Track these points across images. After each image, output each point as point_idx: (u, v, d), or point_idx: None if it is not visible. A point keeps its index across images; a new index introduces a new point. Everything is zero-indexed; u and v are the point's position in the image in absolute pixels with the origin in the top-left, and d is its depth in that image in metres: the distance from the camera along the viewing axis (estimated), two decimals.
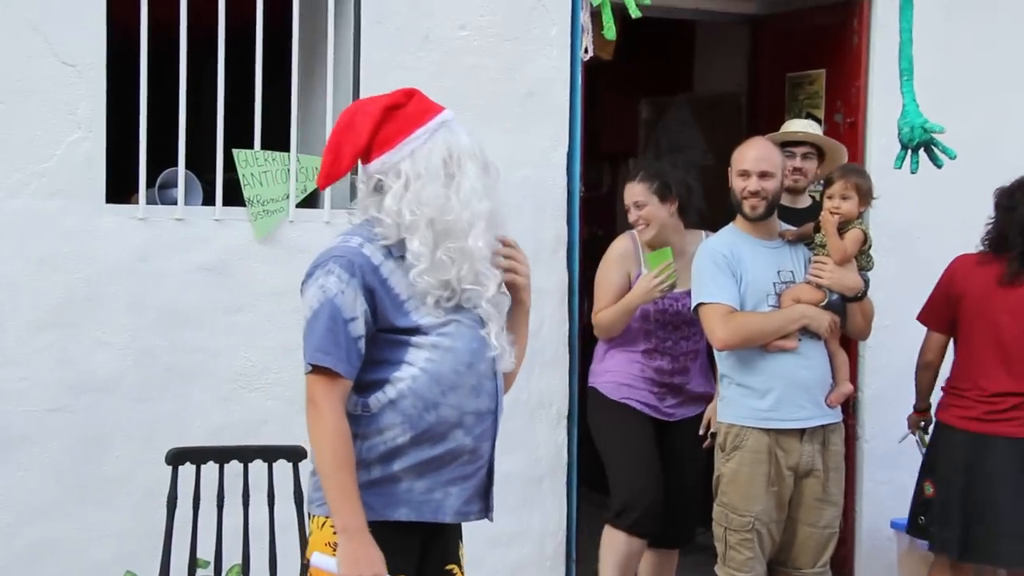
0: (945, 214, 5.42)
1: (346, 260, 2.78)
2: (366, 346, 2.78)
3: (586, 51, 4.86)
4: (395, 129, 2.84)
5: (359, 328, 2.76)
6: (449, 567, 2.96)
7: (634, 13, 4.27)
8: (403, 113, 2.86)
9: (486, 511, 2.94)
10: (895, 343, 5.30)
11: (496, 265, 2.89)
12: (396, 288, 2.80)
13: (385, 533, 2.76)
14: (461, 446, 2.84)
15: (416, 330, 2.80)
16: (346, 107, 2.98)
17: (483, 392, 2.86)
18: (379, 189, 2.85)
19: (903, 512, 5.23)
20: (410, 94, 2.91)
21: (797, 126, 4.91)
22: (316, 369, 2.75)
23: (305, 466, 2.94)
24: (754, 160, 4.25)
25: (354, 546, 2.71)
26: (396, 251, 2.82)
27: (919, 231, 5.42)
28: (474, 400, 2.84)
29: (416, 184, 2.81)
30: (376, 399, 2.80)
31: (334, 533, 2.76)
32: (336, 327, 2.74)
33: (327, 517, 2.79)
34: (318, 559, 2.79)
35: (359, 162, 2.87)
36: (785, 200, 4.62)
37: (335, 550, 2.75)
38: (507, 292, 2.93)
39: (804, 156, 4.79)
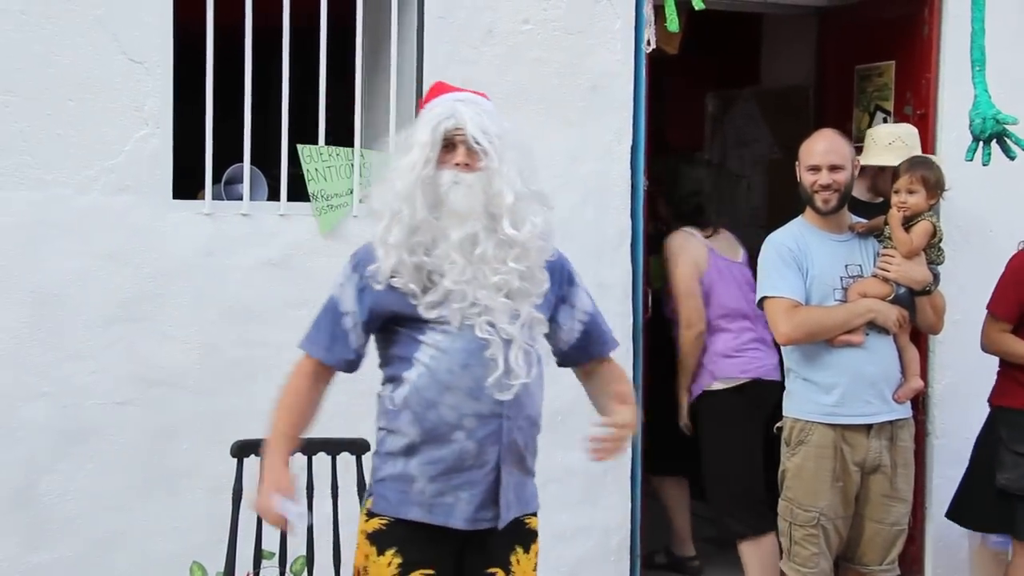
0: (1019, 207, 5.32)
1: (357, 257, 2.91)
2: (387, 340, 2.90)
3: (648, 43, 4.83)
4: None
5: (348, 322, 2.91)
6: (492, 571, 2.92)
7: (697, 5, 4.24)
8: (423, 108, 2.96)
9: (495, 518, 2.89)
10: (967, 338, 5.19)
11: None
12: (399, 284, 2.83)
13: (400, 529, 2.88)
14: (464, 449, 2.83)
15: (422, 324, 2.83)
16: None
17: (483, 395, 2.82)
18: None
19: None
20: (433, 88, 3.00)
21: (882, 133, 4.82)
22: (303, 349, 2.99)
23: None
24: (823, 153, 4.20)
25: (265, 475, 2.97)
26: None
27: (992, 224, 5.32)
28: (473, 403, 2.82)
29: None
30: (398, 394, 2.88)
31: (365, 520, 2.94)
32: (326, 317, 2.95)
33: (364, 507, 2.97)
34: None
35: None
36: (858, 193, 4.56)
37: (369, 542, 2.92)
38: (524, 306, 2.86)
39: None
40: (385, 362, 2.94)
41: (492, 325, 2.81)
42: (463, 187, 2.80)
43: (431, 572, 2.86)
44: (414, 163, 2.81)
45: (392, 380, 2.90)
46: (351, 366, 2.97)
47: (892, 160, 4.60)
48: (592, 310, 3.05)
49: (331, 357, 2.94)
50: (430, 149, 2.82)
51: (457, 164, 2.83)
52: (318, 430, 4.15)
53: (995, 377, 4.64)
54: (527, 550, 2.96)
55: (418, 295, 2.81)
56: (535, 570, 3.01)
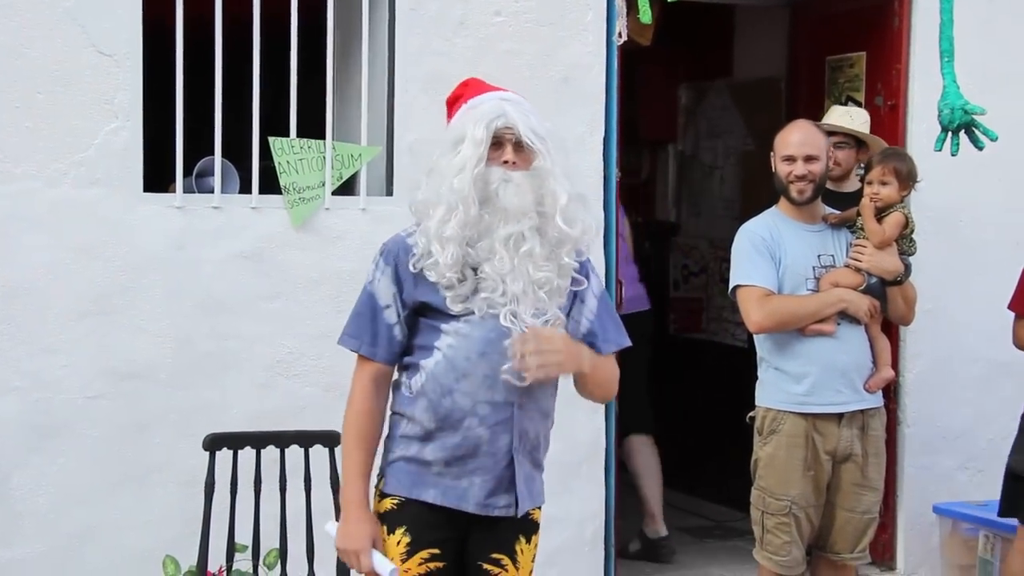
0: (988, 198, 5.36)
1: (388, 249, 2.93)
2: (412, 329, 2.91)
3: (620, 35, 4.83)
4: (449, 120, 2.98)
5: (391, 316, 2.90)
6: (498, 556, 2.96)
7: None
8: (458, 104, 2.98)
9: (512, 506, 2.93)
10: (937, 328, 5.26)
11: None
12: (432, 275, 2.85)
13: (413, 509, 2.91)
14: (477, 436, 2.87)
15: (447, 314, 2.86)
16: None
17: (498, 383, 2.85)
18: None
19: (945, 497, 5.21)
20: (467, 83, 3.03)
21: (836, 114, 4.86)
22: (358, 353, 2.94)
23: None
24: (798, 144, 4.21)
25: (349, 519, 2.90)
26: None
27: (961, 215, 5.36)
28: (488, 391, 2.86)
29: (429, 167, 2.94)
30: (415, 381, 2.91)
31: (377, 501, 2.97)
32: (366, 312, 2.92)
33: (376, 487, 2.98)
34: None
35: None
36: (829, 184, 4.58)
37: (380, 521, 2.94)
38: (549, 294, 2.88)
39: (836, 145, 4.72)
40: (405, 351, 2.95)
41: (515, 316, 2.84)
42: (513, 185, 2.85)
43: (437, 552, 2.91)
44: (467, 160, 2.84)
45: (411, 368, 2.93)
46: (397, 360, 2.96)
47: (840, 117, 4.73)
48: (597, 310, 3.04)
49: (383, 353, 2.92)
50: (484, 146, 2.86)
51: (505, 162, 2.87)
52: (289, 423, 4.18)
53: None
54: (529, 541, 3.02)
55: (454, 285, 2.84)
56: (533, 561, 3.05)
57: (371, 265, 2.94)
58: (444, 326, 2.87)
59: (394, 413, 2.99)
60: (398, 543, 2.92)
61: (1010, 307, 4.56)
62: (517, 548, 2.99)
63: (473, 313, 2.85)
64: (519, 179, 2.86)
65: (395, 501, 2.94)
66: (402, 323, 2.90)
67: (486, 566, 2.96)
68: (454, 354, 2.86)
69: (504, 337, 2.84)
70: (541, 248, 2.86)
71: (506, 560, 2.97)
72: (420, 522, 2.90)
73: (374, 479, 2.99)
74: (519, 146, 2.87)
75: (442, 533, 2.92)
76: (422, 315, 2.90)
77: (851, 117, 4.82)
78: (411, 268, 2.86)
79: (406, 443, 2.93)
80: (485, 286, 2.84)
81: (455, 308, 2.85)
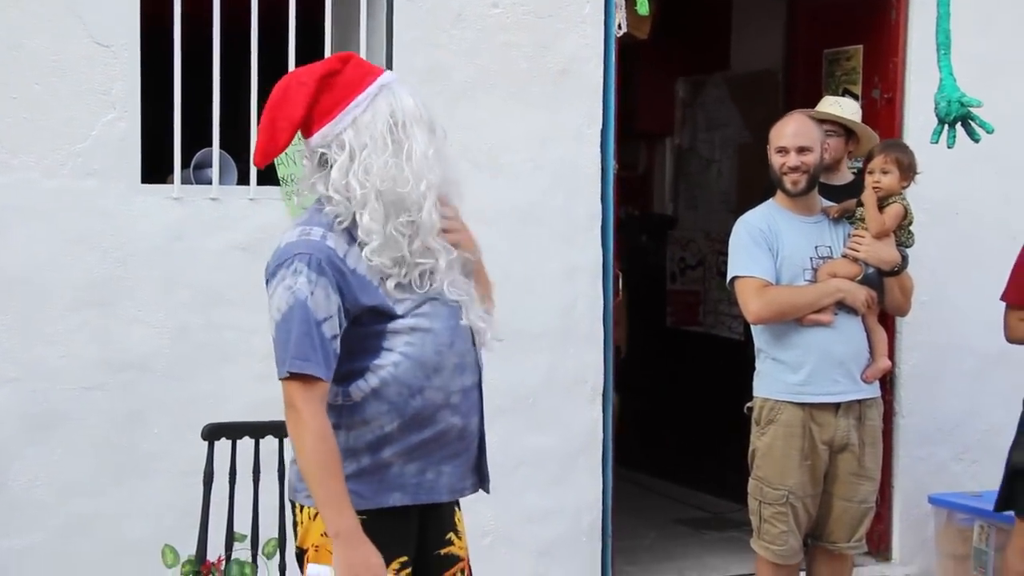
0: (985, 190, 5.37)
1: (312, 258, 2.63)
2: (343, 338, 2.67)
3: (619, 27, 4.84)
4: (333, 98, 2.69)
5: (333, 327, 2.64)
6: (448, 537, 2.88)
7: None
8: (340, 80, 2.71)
9: (480, 483, 2.87)
10: (934, 319, 5.27)
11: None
12: (366, 275, 2.68)
13: (380, 520, 2.70)
14: (450, 426, 2.75)
15: (392, 315, 2.69)
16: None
17: (466, 367, 2.77)
18: (324, 163, 2.71)
19: (941, 488, 5.22)
20: (346, 59, 2.76)
21: (826, 104, 4.87)
22: (294, 375, 2.62)
23: (289, 453, 2.81)
24: (792, 136, 4.23)
25: (349, 550, 2.62)
26: (357, 233, 2.69)
27: (958, 207, 5.37)
28: (459, 378, 2.76)
29: (362, 154, 2.66)
30: (358, 388, 2.70)
31: None
32: (311, 330, 2.61)
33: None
34: (314, 570, 2.71)
35: (300, 136, 2.73)
36: (823, 177, 4.59)
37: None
38: (459, 262, 2.78)
39: (825, 133, 4.72)
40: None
41: (459, 300, 2.77)
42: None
43: (405, 560, 2.77)
44: (425, 144, 2.71)
45: (345, 376, 2.69)
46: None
47: (830, 107, 4.72)
48: None
49: (330, 372, 2.65)
50: (430, 128, 2.76)
51: None
52: (265, 413, 4.18)
53: None
54: (459, 506, 2.92)
55: (390, 277, 2.68)
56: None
57: (289, 278, 2.62)
58: (391, 324, 2.68)
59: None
60: None
61: (1002, 298, 4.58)
62: (456, 519, 2.90)
63: (422, 306, 2.70)
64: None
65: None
66: (340, 335, 2.65)
67: (442, 551, 2.85)
68: (419, 351, 2.69)
69: (459, 319, 2.74)
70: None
71: (452, 535, 2.88)
72: (386, 533, 2.70)
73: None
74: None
75: (406, 537, 2.77)
76: (358, 323, 2.68)
77: (840, 106, 4.82)
78: (361, 269, 2.65)
79: (353, 456, 2.70)
80: (430, 274, 2.70)
81: (400, 308, 2.68)
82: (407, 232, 2.67)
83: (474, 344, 2.80)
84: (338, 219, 2.68)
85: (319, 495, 2.63)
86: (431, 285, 2.72)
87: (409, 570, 2.78)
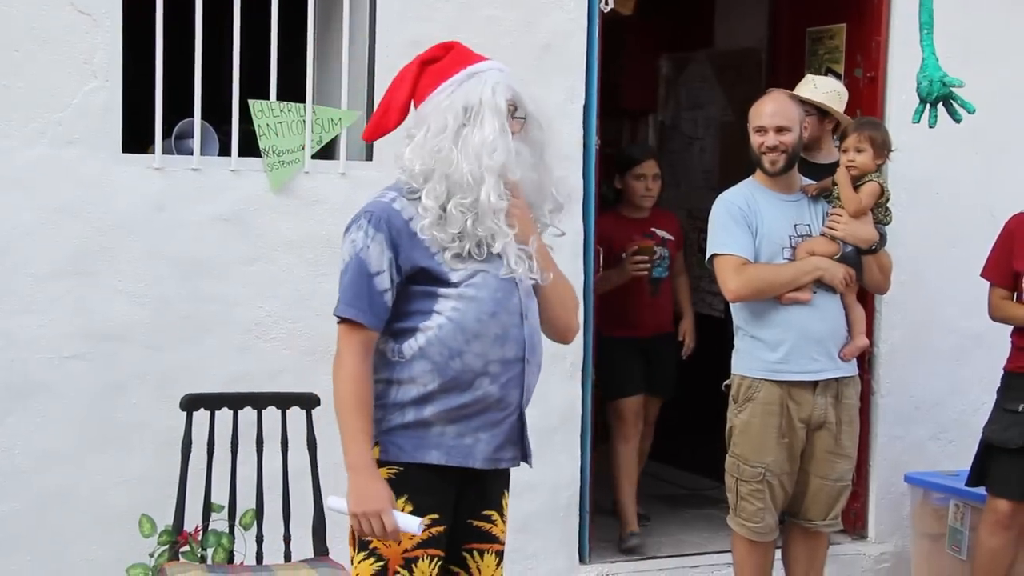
0: (965, 170, 5.38)
1: (375, 215, 2.89)
2: (400, 296, 2.90)
3: (605, 3, 4.83)
4: (428, 82, 2.96)
5: (384, 282, 2.87)
6: (488, 512, 3.02)
7: None
8: (438, 67, 2.97)
9: (523, 457, 3.02)
10: (913, 298, 5.29)
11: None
12: (427, 241, 2.88)
13: (418, 473, 2.90)
14: (487, 394, 2.91)
15: (446, 282, 2.88)
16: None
17: (509, 340, 2.91)
18: (409, 141, 2.95)
19: (917, 467, 5.25)
20: (449, 47, 3.01)
21: (804, 82, 4.85)
22: (343, 320, 2.89)
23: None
24: (770, 115, 4.24)
25: (360, 482, 2.83)
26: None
27: (938, 187, 5.38)
28: (499, 349, 2.90)
29: (427, 135, 2.89)
30: (409, 346, 2.90)
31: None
32: (361, 280, 2.87)
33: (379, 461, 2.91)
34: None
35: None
36: (806, 155, 4.60)
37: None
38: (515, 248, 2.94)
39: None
40: (393, 317, 2.93)
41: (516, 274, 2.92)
42: (521, 157, 2.94)
43: (437, 517, 2.92)
44: (496, 130, 2.88)
45: (401, 333, 2.92)
46: (383, 327, 2.94)
47: (808, 88, 4.72)
48: None
49: (376, 320, 2.89)
50: (504, 117, 2.91)
51: (512, 133, 2.94)
52: (267, 386, 4.19)
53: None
54: (508, 491, 3.09)
55: (449, 248, 2.87)
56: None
57: (354, 232, 2.90)
58: (442, 291, 2.89)
59: (379, 380, 2.95)
60: (401, 511, 2.89)
61: (983, 275, 4.61)
62: (503, 502, 3.06)
63: (474, 276, 2.88)
64: (524, 151, 2.94)
65: (393, 471, 2.92)
66: (393, 289, 2.89)
67: (476, 523, 3.00)
68: (462, 317, 2.87)
69: (511, 294, 2.91)
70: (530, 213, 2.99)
71: (495, 515, 3.03)
72: (421, 487, 2.90)
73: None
74: (515, 117, 2.94)
75: (441, 495, 2.93)
76: (414, 281, 2.90)
77: (815, 85, 4.80)
78: (419, 233, 2.86)
79: (399, 410, 2.92)
80: (488, 245, 2.88)
81: (455, 276, 2.88)
82: (470, 211, 2.86)
83: (522, 321, 2.93)
84: (408, 190, 2.92)
85: (344, 429, 2.87)
86: (487, 255, 2.89)
87: (443, 528, 2.93)
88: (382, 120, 3.01)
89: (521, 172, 2.92)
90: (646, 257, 5.26)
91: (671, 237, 5.50)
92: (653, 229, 5.46)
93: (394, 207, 2.90)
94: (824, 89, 4.80)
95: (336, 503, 2.91)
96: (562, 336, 3.14)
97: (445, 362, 2.88)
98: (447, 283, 2.89)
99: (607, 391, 5.34)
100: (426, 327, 2.89)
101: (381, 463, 2.91)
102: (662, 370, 5.53)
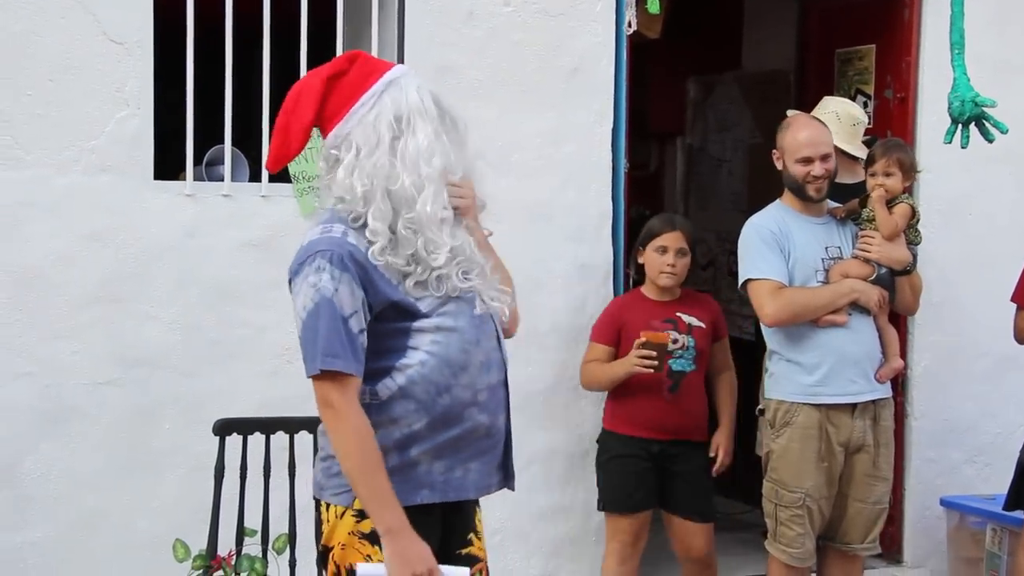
0: (997, 190, 5.36)
1: (334, 254, 2.63)
2: (368, 335, 2.66)
3: (629, 24, 4.83)
4: (341, 99, 2.72)
5: (359, 322, 2.63)
6: (468, 536, 2.87)
7: None
8: (346, 80, 2.73)
9: (506, 480, 2.87)
10: (945, 320, 5.26)
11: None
12: (386, 273, 2.67)
13: (410, 517, 2.66)
14: (477, 424, 2.75)
15: (416, 313, 2.69)
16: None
17: (492, 365, 2.77)
18: (336, 164, 2.71)
19: (952, 490, 5.20)
20: (352, 58, 2.77)
21: (826, 106, 4.80)
22: (325, 372, 2.61)
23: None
24: (814, 145, 4.20)
25: (402, 546, 2.62)
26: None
27: (971, 208, 5.35)
28: (485, 376, 2.75)
29: (362, 153, 2.68)
30: (385, 386, 2.70)
31: (356, 522, 2.70)
32: (338, 326, 2.61)
33: (346, 507, 2.70)
34: (365, 570, 2.68)
35: (319, 135, 2.75)
36: None
37: (370, 543, 2.68)
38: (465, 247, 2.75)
39: None
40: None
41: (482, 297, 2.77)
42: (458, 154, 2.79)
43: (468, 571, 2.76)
44: (431, 136, 2.71)
45: (372, 375, 2.68)
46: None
47: (828, 113, 4.67)
48: None
49: (360, 367, 2.64)
50: (437, 121, 2.75)
51: None
52: (297, 410, 4.19)
53: None
54: (479, 507, 2.92)
55: (410, 275, 2.68)
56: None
57: (312, 275, 2.62)
58: (415, 324, 2.68)
59: None
60: None
61: (1013, 299, 4.57)
62: (477, 520, 2.89)
63: (446, 304, 2.70)
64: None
65: None
66: (365, 330, 2.64)
67: (463, 551, 2.84)
68: (444, 350, 2.69)
69: (485, 318, 2.76)
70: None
71: (473, 536, 2.88)
72: (416, 531, 2.66)
73: (348, 499, 2.70)
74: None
75: (431, 534, 2.72)
76: (382, 319, 2.68)
77: (839, 118, 4.71)
78: (382, 266, 2.64)
79: (383, 454, 2.67)
80: (458, 271, 2.71)
81: (423, 306, 2.68)
82: (415, 228, 2.67)
83: (499, 342, 2.81)
84: (351, 217, 2.68)
85: (364, 493, 2.63)
86: (448, 286, 2.71)
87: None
88: (284, 145, 2.73)
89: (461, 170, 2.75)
90: (654, 352, 4.28)
91: (701, 324, 4.47)
92: (679, 314, 4.47)
93: (349, 241, 2.65)
94: (848, 123, 4.75)
95: (371, 570, 2.66)
96: (507, 332, 2.89)
97: (432, 399, 2.69)
98: (417, 315, 2.68)
99: (603, 500, 4.57)
100: (404, 365, 2.68)
101: (364, 513, 2.67)
102: (683, 486, 4.47)
